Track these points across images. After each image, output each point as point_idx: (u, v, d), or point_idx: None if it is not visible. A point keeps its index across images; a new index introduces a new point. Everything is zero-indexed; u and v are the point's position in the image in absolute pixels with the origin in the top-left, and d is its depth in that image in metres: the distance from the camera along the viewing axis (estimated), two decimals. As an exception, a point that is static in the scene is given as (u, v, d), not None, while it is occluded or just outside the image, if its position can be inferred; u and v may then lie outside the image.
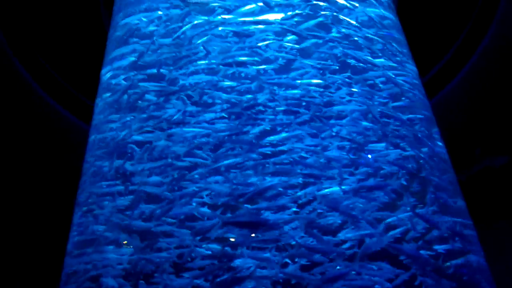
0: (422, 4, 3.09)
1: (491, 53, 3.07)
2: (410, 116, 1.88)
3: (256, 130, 1.74)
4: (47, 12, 3.10)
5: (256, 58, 1.82)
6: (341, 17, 1.91)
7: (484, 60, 3.07)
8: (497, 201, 3.20)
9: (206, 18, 1.88)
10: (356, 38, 1.90)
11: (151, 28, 1.96)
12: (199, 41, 1.86)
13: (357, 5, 1.97)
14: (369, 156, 1.78)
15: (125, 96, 1.90)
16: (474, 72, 3.09)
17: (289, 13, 1.87)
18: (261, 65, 1.82)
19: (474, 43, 3.07)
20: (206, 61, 1.84)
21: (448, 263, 1.66)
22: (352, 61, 1.86)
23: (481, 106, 3.18)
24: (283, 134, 1.73)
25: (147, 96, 1.86)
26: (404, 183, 1.75)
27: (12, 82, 3.05)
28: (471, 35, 3.08)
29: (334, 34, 1.88)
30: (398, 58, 1.97)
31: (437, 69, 3.10)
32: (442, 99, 3.08)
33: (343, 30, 1.90)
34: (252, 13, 1.89)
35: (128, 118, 1.86)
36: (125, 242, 1.71)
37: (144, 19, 1.99)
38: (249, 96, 1.78)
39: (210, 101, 1.78)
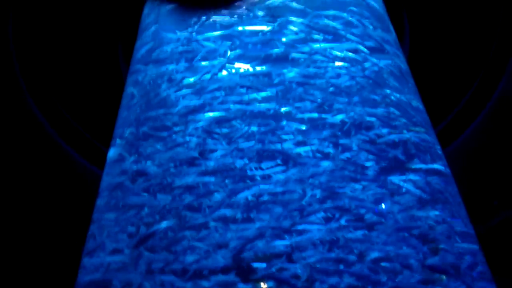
0: (433, 55, 3.13)
1: (506, 102, 3.08)
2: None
3: None
4: (68, 67, 3.19)
5: None
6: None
7: (499, 109, 3.07)
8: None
9: None
10: None
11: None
12: None
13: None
14: (383, 205, 1.77)
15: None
16: (489, 121, 3.09)
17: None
18: None
19: (487, 91, 3.08)
20: None
21: None
22: None
23: (497, 156, 3.16)
24: None
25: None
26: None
27: (30, 128, 3.12)
28: (484, 83, 3.10)
29: None
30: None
31: (450, 118, 3.11)
32: (457, 149, 3.08)
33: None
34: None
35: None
36: None
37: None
38: None
39: None
